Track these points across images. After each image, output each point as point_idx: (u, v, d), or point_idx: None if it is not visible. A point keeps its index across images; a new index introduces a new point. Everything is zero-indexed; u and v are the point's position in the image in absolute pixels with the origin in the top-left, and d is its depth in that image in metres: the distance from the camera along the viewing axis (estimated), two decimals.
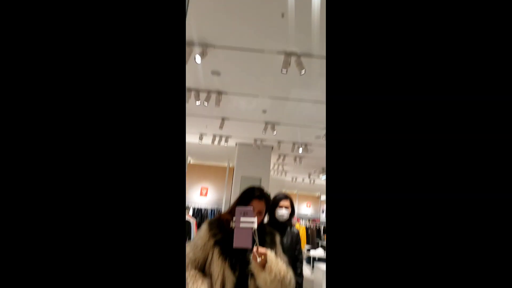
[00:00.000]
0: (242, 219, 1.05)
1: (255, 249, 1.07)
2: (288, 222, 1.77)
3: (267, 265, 1.10)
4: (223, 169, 6.00)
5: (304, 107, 3.30)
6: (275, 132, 3.98)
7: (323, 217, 6.41)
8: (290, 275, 1.14)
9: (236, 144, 5.37)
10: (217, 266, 1.12)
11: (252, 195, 1.22)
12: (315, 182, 8.22)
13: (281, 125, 3.96)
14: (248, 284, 1.13)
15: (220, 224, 1.20)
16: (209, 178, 5.88)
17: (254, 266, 1.11)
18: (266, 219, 1.64)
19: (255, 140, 4.97)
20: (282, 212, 1.71)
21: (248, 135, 4.83)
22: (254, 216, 1.08)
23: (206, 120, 4.12)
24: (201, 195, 5.90)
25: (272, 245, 1.23)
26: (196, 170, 5.52)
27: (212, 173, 5.91)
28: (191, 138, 5.22)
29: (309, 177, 7.78)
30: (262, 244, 1.19)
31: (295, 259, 1.73)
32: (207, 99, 3.02)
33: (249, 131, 4.52)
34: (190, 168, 5.50)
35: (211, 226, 1.21)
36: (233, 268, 1.12)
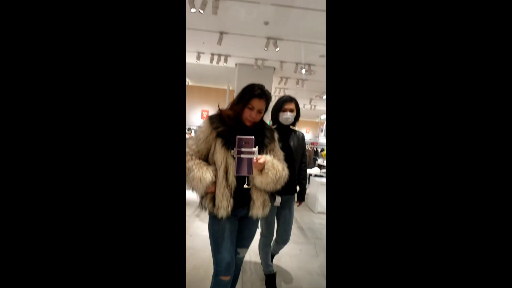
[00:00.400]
0: (243, 149, 1.07)
1: (258, 159, 1.12)
2: (294, 126, 1.71)
3: (264, 170, 1.15)
4: (223, 91, 5.88)
5: (310, 17, 2.99)
6: (277, 49, 3.72)
7: (321, 136, 6.60)
8: (285, 173, 1.20)
9: (236, 65, 5.12)
10: (220, 154, 1.16)
11: (252, 93, 1.19)
12: (316, 107, 8.19)
13: (284, 41, 3.68)
14: None
15: (221, 119, 1.21)
16: (209, 101, 5.81)
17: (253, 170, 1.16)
18: (270, 123, 1.61)
19: (256, 60, 4.71)
20: (287, 116, 1.62)
21: (249, 54, 4.55)
22: (255, 146, 1.09)
23: (204, 35, 3.81)
24: (202, 118, 5.94)
25: (271, 140, 1.26)
26: (196, 92, 5.41)
27: (213, 96, 5.81)
28: (188, 57, 4.93)
29: (310, 102, 7.71)
30: (261, 145, 1.22)
31: (300, 163, 1.73)
32: (203, 5, 2.72)
33: (250, 48, 4.23)
34: (189, 90, 5.38)
35: (212, 120, 1.21)
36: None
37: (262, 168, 1.15)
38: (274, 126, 1.67)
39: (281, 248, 1.86)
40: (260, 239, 1.77)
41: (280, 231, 1.74)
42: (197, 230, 2.83)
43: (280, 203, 1.64)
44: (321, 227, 3.26)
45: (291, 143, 1.66)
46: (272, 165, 1.16)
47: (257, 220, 1.27)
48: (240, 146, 1.07)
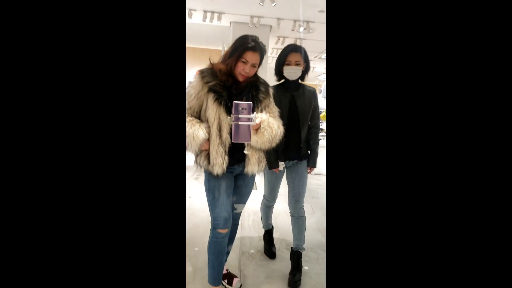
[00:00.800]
0: (241, 116, 1.02)
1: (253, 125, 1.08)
2: (302, 80, 1.47)
3: (260, 130, 1.13)
4: (218, 53, 5.63)
5: None
6: (274, 3, 3.49)
7: (320, 97, 6.45)
8: (280, 130, 1.19)
9: (230, 24, 4.84)
10: (213, 111, 1.14)
11: (245, 46, 1.12)
12: (315, 69, 7.94)
13: None
14: None
15: (213, 73, 1.16)
16: (204, 62, 5.57)
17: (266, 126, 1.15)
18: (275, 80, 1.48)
19: (252, 18, 4.45)
20: (291, 70, 1.38)
21: (244, 10, 4.29)
22: (253, 112, 1.05)
23: None
24: None
25: (265, 95, 1.23)
26: (189, 53, 5.19)
27: (206, 58, 5.56)
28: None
29: None
30: (255, 101, 1.19)
31: (310, 125, 1.51)
32: None
33: (245, 4, 3.97)
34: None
35: (203, 74, 1.17)
36: (228, 112, 1.14)
37: (258, 127, 1.13)
38: (280, 82, 1.48)
39: (298, 225, 1.57)
40: (262, 200, 1.75)
41: (289, 198, 1.57)
42: (196, 192, 2.90)
43: (285, 168, 1.52)
44: (317, 187, 3.35)
45: (298, 102, 1.44)
46: (268, 124, 1.14)
47: (253, 176, 1.29)
48: (237, 113, 1.02)
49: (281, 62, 1.40)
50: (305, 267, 1.65)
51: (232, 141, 1.08)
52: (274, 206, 1.77)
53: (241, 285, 1.44)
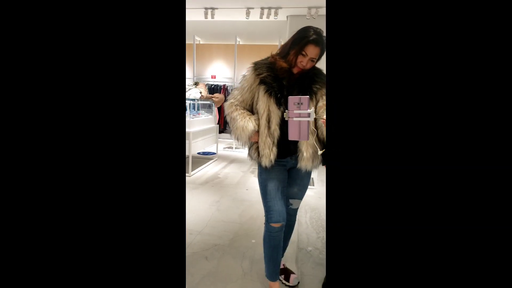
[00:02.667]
0: (297, 111, 0.93)
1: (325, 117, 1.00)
2: None
3: None
4: (275, 48, 5.62)
5: None
6: None
7: None
8: None
9: (287, 18, 4.77)
10: (263, 102, 1.12)
11: (307, 38, 1.06)
12: None
13: None
14: None
15: (267, 65, 1.14)
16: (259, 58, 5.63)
17: (321, 125, 1.10)
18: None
19: (309, 9, 4.31)
20: None
21: (301, 2, 4.17)
22: (310, 108, 0.95)
23: None
24: None
25: (321, 86, 1.15)
26: (246, 50, 5.29)
27: (264, 54, 5.61)
28: (237, 16, 4.77)
29: None
30: (308, 92, 1.12)
31: None
32: None
33: None
34: (240, 49, 5.28)
35: (256, 66, 1.16)
36: (278, 103, 1.11)
37: None
38: None
39: None
40: None
41: None
42: (252, 185, 2.95)
43: None
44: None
45: None
46: None
47: (308, 172, 1.23)
48: (292, 108, 0.94)
49: None
50: None
51: (289, 139, 1.01)
52: None
53: (298, 282, 1.40)
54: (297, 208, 1.36)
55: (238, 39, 5.33)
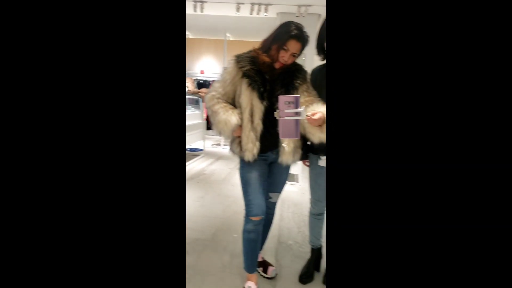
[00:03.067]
0: (288, 110, 0.96)
1: (310, 114, 1.00)
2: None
3: (324, 126, 1.05)
4: None
5: None
6: None
7: None
8: None
9: (277, 15, 4.78)
10: (246, 96, 1.13)
11: (288, 33, 1.07)
12: None
13: None
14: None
15: (249, 58, 1.15)
16: None
17: (309, 126, 1.09)
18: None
19: (299, 7, 4.32)
20: None
21: (291, 0, 4.18)
22: (301, 106, 0.97)
23: None
24: None
25: (303, 81, 1.17)
26: (236, 46, 5.27)
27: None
28: (227, 10, 4.74)
29: None
30: (290, 88, 1.14)
31: None
32: None
33: None
34: (230, 44, 5.27)
35: (239, 59, 1.16)
36: (261, 97, 1.12)
37: (321, 123, 1.04)
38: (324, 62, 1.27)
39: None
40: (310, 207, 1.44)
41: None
42: (238, 181, 2.96)
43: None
44: None
45: None
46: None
47: (288, 166, 1.25)
48: (283, 107, 0.96)
49: (323, 37, 1.20)
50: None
51: (280, 137, 1.03)
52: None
53: (276, 274, 1.43)
54: (276, 202, 1.39)
55: (228, 35, 5.30)
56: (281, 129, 0.98)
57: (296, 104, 0.95)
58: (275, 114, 1.02)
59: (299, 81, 1.16)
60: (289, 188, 2.71)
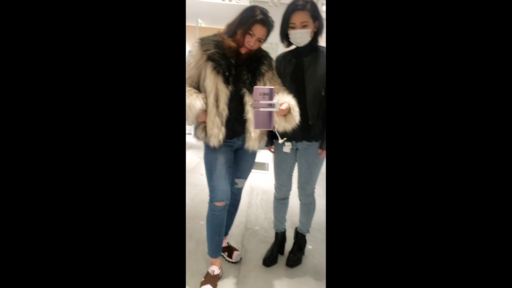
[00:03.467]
0: (262, 101, 0.96)
1: (280, 105, 1.01)
2: (316, 42, 1.20)
3: (290, 115, 1.07)
4: None
5: None
6: None
7: None
8: (296, 109, 1.10)
9: (250, 3, 4.72)
10: (210, 80, 1.10)
11: (254, 18, 1.06)
12: None
13: None
14: (243, 100, 1.14)
15: (214, 42, 1.12)
16: None
17: (274, 115, 1.07)
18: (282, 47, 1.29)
19: None
20: (297, 34, 1.14)
21: None
22: (274, 98, 0.97)
23: None
24: None
25: (268, 68, 1.17)
26: (208, 33, 5.14)
27: None
28: None
29: None
30: (257, 74, 1.13)
31: (322, 99, 1.21)
32: None
33: None
34: (201, 32, 5.12)
35: (203, 42, 1.13)
36: (226, 82, 1.10)
37: (286, 113, 1.06)
38: (290, 48, 1.25)
39: (304, 211, 1.44)
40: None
41: (297, 183, 1.40)
42: None
43: (296, 150, 1.32)
44: None
45: (306, 70, 1.19)
46: (293, 107, 1.08)
47: (253, 152, 1.25)
48: (257, 98, 0.97)
49: (285, 25, 1.16)
50: (309, 246, 1.61)
51: (254, 128, 1.03)
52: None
53: (241, 259, 1.44)
54: (242, 188, 1.39)
55: (199, 21, 5.14)
56: (255, 120, 0.99)
57: (271, 95, 0.97)
58: (249, 105, 1.03)
59: (265, 67, 1.16)
60: (259, 176, 2.73)
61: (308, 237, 1.55)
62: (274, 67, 1.20)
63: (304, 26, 1.13)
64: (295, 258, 1.45)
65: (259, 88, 0.98)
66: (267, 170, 2.99)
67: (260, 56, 1.16)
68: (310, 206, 1.43)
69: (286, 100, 1.06)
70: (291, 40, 1.19)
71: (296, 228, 1.53)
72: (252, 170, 1.38)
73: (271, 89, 0.97)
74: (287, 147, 1.29)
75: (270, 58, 1.20)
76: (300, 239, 1.50)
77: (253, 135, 1.16)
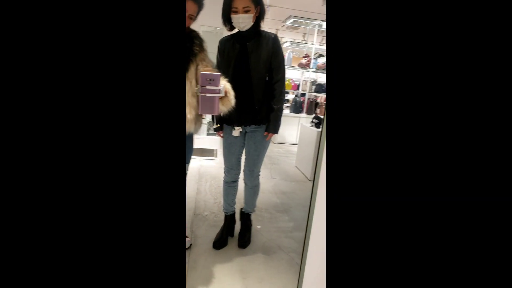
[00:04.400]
0: (208, 87, 0.97)
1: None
2: (258, 27, 1.24)
3: (227, 98, 1.07)
4: None
5: None
6: None
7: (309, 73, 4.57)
8: (232, 93, 1.11)
9: None
10: None
11: None
12: (283, 39, 7.74)
13: None
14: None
15: None
16: None
17: None
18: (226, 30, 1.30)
19: None
20: (239, 19, 1.15)
21: None
22: (221, 84, 0.98)
23: None
24: None
25: (201, 49, 1.16)
26: None
27: None
28: None
29: (303, 37, 7.12)
30: (190, 54, 1.11)
31: (270, 79, 1.27)
32: None
33: None
34: None
35: None
36: None
37: (223, 96, 1.05)
38: (233, 32, 1.27)
39: (250, 193, 1.50)
40: None
41: (244, 165, 1.44)
42: None
43: (241, 133, 1.34)
44: (278, 155, 3.41)
45: (250, 54, 1.23)
46: (229, 91, 1.08)
47: (190, 135, 1.23)
48: (204, 84, 0.97)
49: (227, 9, 1.18)
50: (258, 226, 1.68)
51: (199, 113, 1.02)
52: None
53: (191, 245, 1.44)
54: (185, 172, 1.37)
55: None
56: (201, 104, 1.00)
57: (217, 81, 0.98)
58: (196, 89, 1.03)
59: (197, 48, 1.15)
60: (207, 163, 2.70)
61: (256, 217, 1.62)
62: (205, 48, 1.19)
63: (246, 11, 1.15)
64: (246, 239, 1.51)
65: (205, 73, 0.98)
66: (216, 157, 2.98)
67: (191, 36, 1.15)
68: (256, 188, 1.49)
69: (222, 83, 1.07)
70: (234, 24, 1.20)
71: (241, 209, 1.58)
72: (201, 157, 1.37)
73: (217, 75, 0.99)
74: (237, 131, 1.32)
75: (201, 39, 1.19)
76: (246, 219, 1.56)
77: (189, 116, 1.13)
